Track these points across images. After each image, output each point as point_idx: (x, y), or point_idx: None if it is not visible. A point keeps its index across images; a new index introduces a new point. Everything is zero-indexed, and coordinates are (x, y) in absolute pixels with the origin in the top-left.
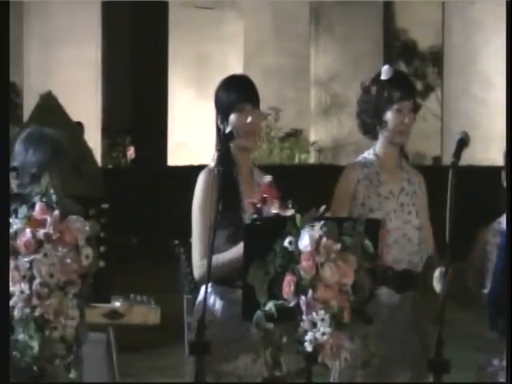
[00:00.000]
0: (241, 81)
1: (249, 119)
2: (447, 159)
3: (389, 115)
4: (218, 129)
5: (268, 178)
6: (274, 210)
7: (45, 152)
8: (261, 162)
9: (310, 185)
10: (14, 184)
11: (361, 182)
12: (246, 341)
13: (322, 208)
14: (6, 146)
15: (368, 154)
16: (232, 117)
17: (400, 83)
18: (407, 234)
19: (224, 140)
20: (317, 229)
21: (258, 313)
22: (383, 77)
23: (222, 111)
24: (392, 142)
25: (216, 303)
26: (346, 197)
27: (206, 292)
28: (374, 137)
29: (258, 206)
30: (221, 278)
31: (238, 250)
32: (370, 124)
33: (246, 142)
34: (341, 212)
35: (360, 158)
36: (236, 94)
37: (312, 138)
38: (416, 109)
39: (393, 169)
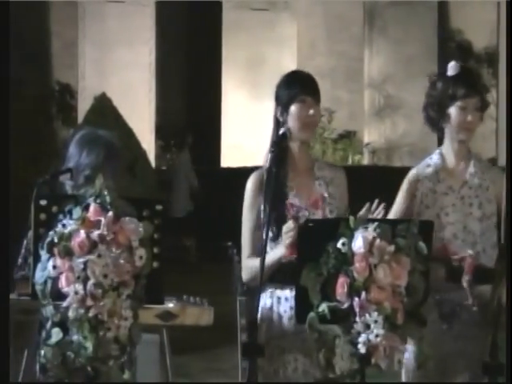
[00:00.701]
0: (304, 75)
1: (311, 111)
2: (502, 160)
3: (452, 112)
4: (277, 121)
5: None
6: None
7: (98, 153)
8: None
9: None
10: (68, 185)
11: (421, 180)
12: (298, 341)
13: (375, 202)
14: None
15: (435, 154)
16: (292, 107)
17: (465, 80)
18: (467, 227)
19: (276, 140)
20: (370, 230)
21: (311, 314)
22: (449, 73)
23: (283, 103)
24: (455, 138)
25: (267, 303)
26: (406, 195)
27: (258, 293)
28: (440, 132)
29: (294, 208)
30: (270, 277)
31: (278, 250)
32: (434, 119)
33: (305, 134)
34: (399, 210)
35: (428, 157)
36: (298, 86)
37: (365, 139)
38: (484, 107)
39: (456, 165)
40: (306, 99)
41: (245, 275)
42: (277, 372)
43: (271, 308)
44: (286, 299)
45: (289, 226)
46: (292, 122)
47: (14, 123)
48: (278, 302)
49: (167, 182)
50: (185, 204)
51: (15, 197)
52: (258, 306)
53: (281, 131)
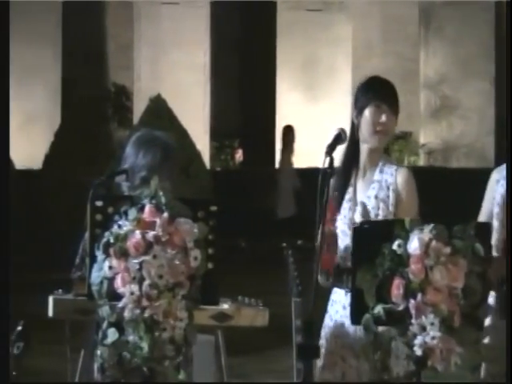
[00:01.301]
0: (383, 82)
1: (383, 118)
2: None
3: None
4: (353, 123)
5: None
6: None
7: (154, 154)
8: None
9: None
10: (124, 186)
11: (500, 181)
12: (354, 343)
13: None
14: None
15: None
16: (366, 112)
17: None
18: None
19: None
20: (426, 232)
21: (367, 316)
22: None
23: (359, 106)
24: None
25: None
26: (487, 197)
27: (314, 294)
28: None
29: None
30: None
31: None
32: None
33: (374, 140)
34: (483, 212)
35: None
36: (376, 91)
37: (422, 140)
38: None
39: None
40: (380, 105)
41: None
42: (332, 373)
43: (329, 310)
44: (339, 300)
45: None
46: (364, 126)
47: (69, 124)
48: (332, 303)
49: (223, 182)
50: (288, 205)
51: (72, 198)
52: (314, 306)
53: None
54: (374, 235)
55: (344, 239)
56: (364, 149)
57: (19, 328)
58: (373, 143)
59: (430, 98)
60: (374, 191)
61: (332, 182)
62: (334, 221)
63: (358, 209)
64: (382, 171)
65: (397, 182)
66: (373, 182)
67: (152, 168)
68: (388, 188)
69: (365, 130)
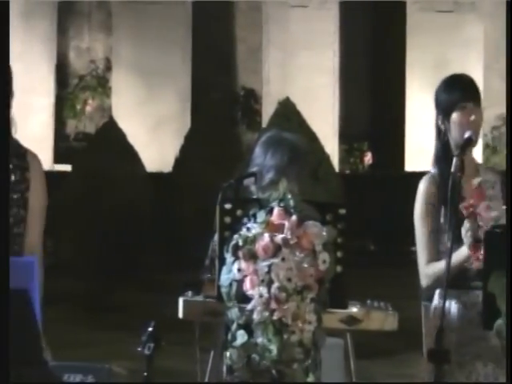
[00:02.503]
0: (462, 80)
1: (472, 117)
2: None
3: None
4: (438, 130)
5: (475, 181)
6: (492, 214)
7: (282, 155)
8: None
9: None
10: (253, 189)
11: None
12: (484, 347)
13: None
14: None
15: None
16: (454, 116)
17: None
18: None
19: (464, 144)
20: None
21: (499, 321)
22: None
23: (443, 111)
24: None
25: (451, 307)
26: None
27: (444, 297)
28: None
29: (471, 209)
30: (453, 281)
31: (460, 252)
32: None
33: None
34: None
35: None
36: (458, 92)
37: None
38: None
39: None
40: (466, 105)
41: (424, 282)
42: (468, 378)
43: (458, 313)
44: (473, 305)
45: (466, 226)
46: (454, 130)
47: (199, 127)
48: (465, 307)
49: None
50: None
51: (201, 200)
52: (443, 310)
53: (466, 134)
54: (505, 238)
55: None
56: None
57: (150, 329)
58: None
59: None
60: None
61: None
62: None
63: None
64: (485, 172)
65: (496, 181)
66: (482, 183)
67: (280, 169)
68: (492, 187)
69: (456, 134)
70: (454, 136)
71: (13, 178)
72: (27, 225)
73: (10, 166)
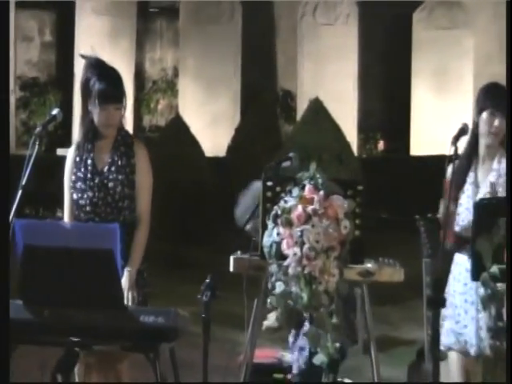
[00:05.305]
0: (500, 90)
1: (496, 123)
2: None
3: None
4: (474, 121)
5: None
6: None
7: None
8: None
9: None
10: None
11: None
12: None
13: None
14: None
15: None
16: (483, 115)
17: None
18: None
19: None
20: None
21: (484, 274)
22: None
23: (478, 108)
24: None
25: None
26: None
27: (440, 257)
28: None
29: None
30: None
31: None
32: None
33: (489, 139)
34: None
35: None
36: (491, 99)
37: None
38: None
39: None
40: (495, 113)
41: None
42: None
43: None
44: (461, 263)
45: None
46: (481, 126)
47: (247, 121)
48: (455, 266)
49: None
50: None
51: (250, 179)
52: (441, 263)
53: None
54: (491, 209)
55: (468, 215)
56: (482, 143)
57: (207, 280)
58: (488, 141)
59: None
60: (493, 178)
61: (454, 167)
62: (456, 199)
63: (483, 189)
64: (499, 162)
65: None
66: (492, 171)
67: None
68: (504, 176)
69: (482, 129)
70: (481, 130)
71: (119, 162)
72: (137, 199)
73: (118, 153)
